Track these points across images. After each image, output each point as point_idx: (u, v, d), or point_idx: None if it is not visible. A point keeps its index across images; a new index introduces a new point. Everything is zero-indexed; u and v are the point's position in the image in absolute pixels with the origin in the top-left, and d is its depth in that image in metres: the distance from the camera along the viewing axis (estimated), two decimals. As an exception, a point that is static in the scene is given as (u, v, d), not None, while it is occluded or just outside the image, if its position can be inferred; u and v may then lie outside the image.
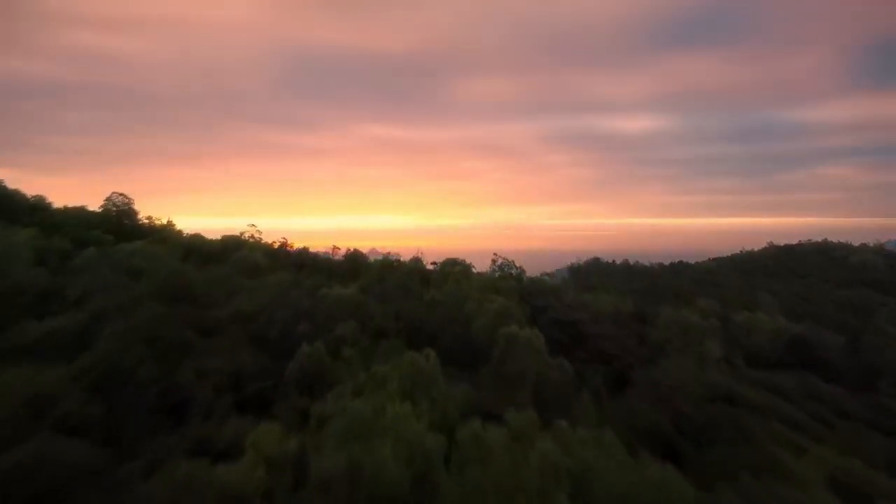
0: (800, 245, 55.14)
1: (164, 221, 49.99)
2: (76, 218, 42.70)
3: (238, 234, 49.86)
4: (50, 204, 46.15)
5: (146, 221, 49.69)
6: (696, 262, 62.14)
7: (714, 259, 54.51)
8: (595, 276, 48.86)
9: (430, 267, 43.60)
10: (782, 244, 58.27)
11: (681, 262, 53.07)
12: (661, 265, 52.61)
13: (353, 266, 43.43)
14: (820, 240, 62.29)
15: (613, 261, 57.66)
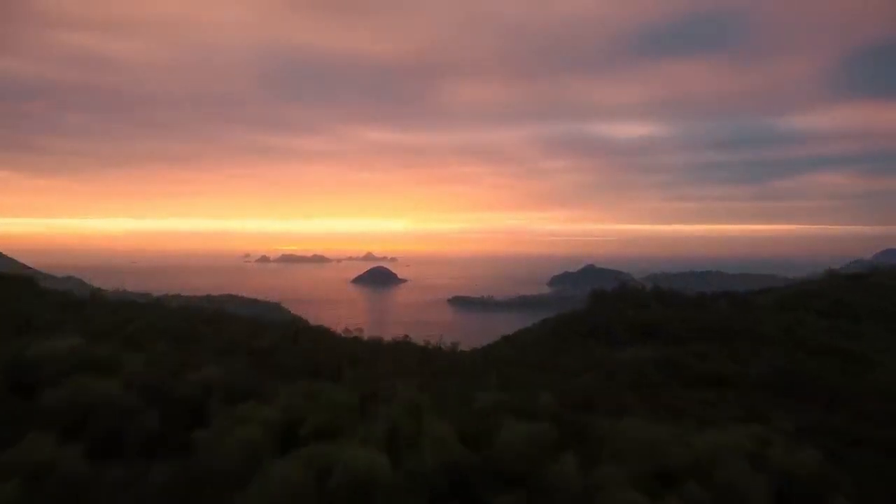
0: (870, 274, 40.32)
1: None
2: None
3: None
4: None
5: None
6: (745, 288, 47.47)
7: (765, 290, 39.18)
8: (629, 308, 33.09)
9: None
10: (848, 272, 43.62)
11: (727, 294, 37.89)
12: (703, 296, 37.16)
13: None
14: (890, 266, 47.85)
15: (644, 286, 42.45)
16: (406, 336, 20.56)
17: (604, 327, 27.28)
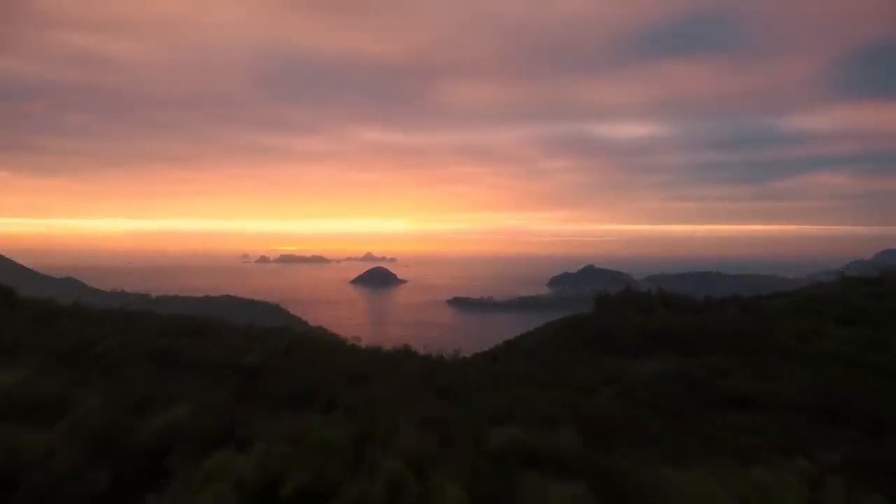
0: (885, 278, 37.98)
1: None
2: None
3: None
4: None
5: None
6: (746, 289, 46.34)
7: (776, 294, 37.27)
8: (634, 312, 31.94)
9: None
10: (862, 276, 41.52)
11: (735, 298, 36.43)
12: (710, 300, 35.94)
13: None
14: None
15: (649, 290, 41.19)
16: (406, 345, 19.66)
17: (610, 334, 26.27)
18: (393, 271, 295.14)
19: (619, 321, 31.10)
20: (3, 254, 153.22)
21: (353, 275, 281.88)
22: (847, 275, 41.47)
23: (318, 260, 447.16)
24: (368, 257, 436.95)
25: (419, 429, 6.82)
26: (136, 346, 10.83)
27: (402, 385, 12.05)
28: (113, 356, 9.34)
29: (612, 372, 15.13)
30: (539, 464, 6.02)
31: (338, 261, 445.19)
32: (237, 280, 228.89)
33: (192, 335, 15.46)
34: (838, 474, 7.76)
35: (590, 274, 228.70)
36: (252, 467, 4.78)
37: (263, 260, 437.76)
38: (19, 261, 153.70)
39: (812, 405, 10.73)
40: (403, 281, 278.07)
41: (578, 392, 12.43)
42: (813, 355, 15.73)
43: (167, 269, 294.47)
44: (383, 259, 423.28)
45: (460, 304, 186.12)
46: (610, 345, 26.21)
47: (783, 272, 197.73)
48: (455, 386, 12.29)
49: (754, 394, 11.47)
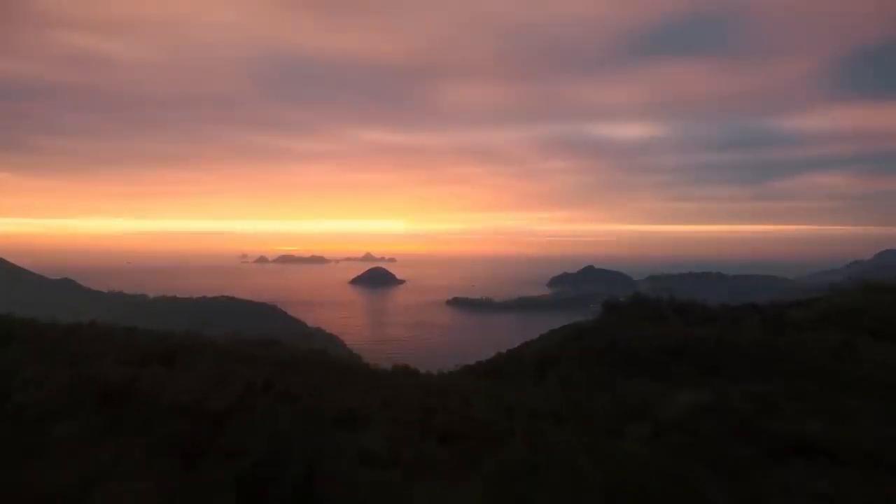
0: None
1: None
2: None
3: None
4: None
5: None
6: (747, 290, 44.77)
7: (800, 303, 34.84)
8: (646, 322, 30.06)
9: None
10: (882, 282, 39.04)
11: (754, 307, 34.28)
12: (727, 308, 34.11)
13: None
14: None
15: (659, 297, 39.44)
16: (406, 366, 17.93)
17: (622, 347, 24.53)
18: (392, 271, 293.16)
19: (632, 332, 29.26)
20: (0, 255, 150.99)
21: (353, 275, 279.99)
22: (867, 281, 39.47)
23: (318, 260, 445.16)
24: (368, 257, 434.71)
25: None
26: (79, 386, 9.01)
27: (400, 425, 10.25)
28: (39, 407, 7.52)
29: (637, 401, 13.39)
30: None
31: (337, 261, 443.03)
32: (236, 280, 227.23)
33: (161, 361, 13.59)
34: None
35: (590, 274, 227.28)
36: None
37: (262, 260, 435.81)
38: (17, 262, 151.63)
39: (886, 453, 8.94)
40: (403, 281, 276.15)
41: (605, 433, 10.69)
42: (861, 380, 13.97)
43: (166, 269, 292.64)
44: (382, 259, 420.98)
45: (460, 304, 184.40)
46: (623, 359, 24.37)
47: (783, 272, 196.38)
48: (460, 429, 10.51)
49: (816, 437, 9.64)
